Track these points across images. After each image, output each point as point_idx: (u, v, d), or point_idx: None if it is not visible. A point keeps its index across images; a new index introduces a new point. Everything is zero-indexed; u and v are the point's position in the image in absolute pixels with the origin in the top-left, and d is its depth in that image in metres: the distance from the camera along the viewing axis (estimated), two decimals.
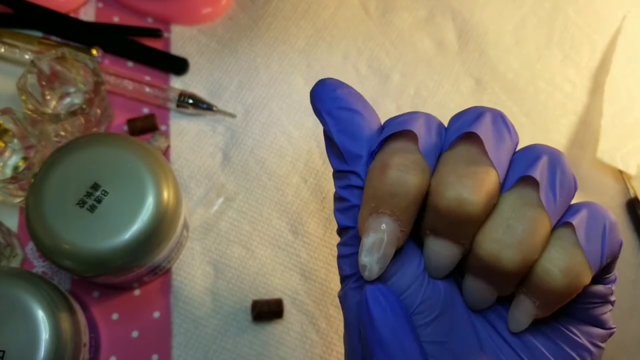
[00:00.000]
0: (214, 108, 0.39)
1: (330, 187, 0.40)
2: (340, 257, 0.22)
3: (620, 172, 0.44)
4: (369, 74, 0.44)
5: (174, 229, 0.31)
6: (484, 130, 0.20)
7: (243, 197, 0.39)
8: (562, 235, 0.20)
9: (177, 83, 0.41)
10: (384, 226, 0.19)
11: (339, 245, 0.22)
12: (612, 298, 0.22)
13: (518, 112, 0.45)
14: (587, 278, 0.19)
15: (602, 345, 0.22)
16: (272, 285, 0.37)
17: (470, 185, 0.19)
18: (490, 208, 0.20)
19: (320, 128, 0.41)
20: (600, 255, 0.20)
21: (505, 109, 0.45)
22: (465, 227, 0.20)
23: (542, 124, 0.45)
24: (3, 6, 0.40)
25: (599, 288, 0.21)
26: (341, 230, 0.22)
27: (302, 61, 0.43)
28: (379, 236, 0.19)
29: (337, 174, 0.22)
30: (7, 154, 0.35)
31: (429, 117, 0.22)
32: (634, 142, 0.44)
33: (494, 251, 0.19)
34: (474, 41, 0.46)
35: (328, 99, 0.22)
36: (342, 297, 0.22)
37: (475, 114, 0.21)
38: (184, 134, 0.39)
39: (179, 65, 0.41)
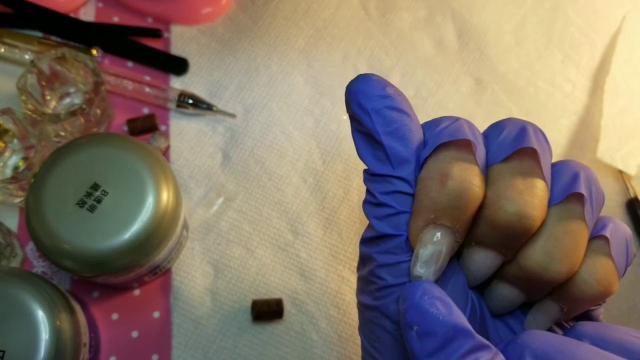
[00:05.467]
0: (214, 108, 0.39)
1: (329, 187, 0.40)
2: (380, 266, 0.21)
3: (620, 172, 0.44)
4: None
5: (173, 229, 0.31)
6: (536, 145, 0.21)
7: (243, 197, 0.39)
8: (596, 248, 0.21)
9: (177, 83, 0.41)
10: (441, 238, 0.19)
11: (376, 253, 0.21)
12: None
13: (518, 112, 0.45)
14: (616, 287, 0.20)
15: None
16: (272, 285, 0.37)
17: (530, 201, 0.19)
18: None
19: (320, 128, 0.42)
20: (625, 265, 0.21)
21: (505, 109, 0.45)
22: (519, 240, 0.20)
23: (542, 124, 0.44)
24: (3, 6, 0.40)
25: None
26: (378, 238, 0.21)
27: (302, 61, 0.43)
28: (437, 248, 0.19)
29: (376, 178, 0.21)
30: (7, 154, 0.35)
31: (470, 124, 0.21)
32: (634, 142, 0.44)
33: (543, 263, 0.20)
34: (474, 41, 0.46)
35: (377, 96, 0.20)
36: (382, 307, 0.21)
37: (517, 126, 0.21)
38: (184, 134, 0.39)
39: (179, 65, 0.41)
